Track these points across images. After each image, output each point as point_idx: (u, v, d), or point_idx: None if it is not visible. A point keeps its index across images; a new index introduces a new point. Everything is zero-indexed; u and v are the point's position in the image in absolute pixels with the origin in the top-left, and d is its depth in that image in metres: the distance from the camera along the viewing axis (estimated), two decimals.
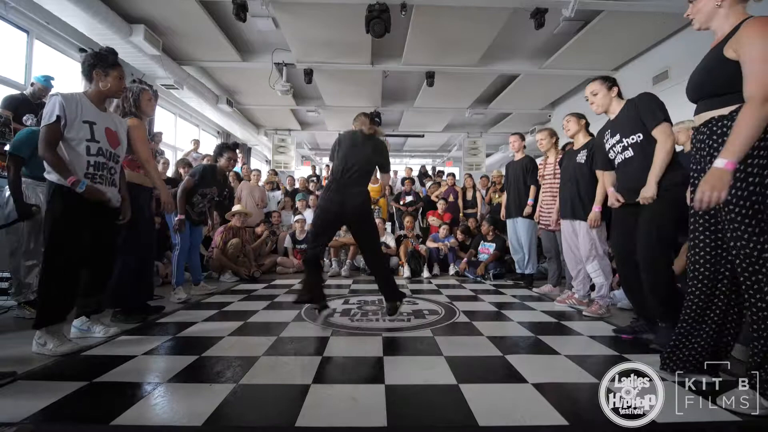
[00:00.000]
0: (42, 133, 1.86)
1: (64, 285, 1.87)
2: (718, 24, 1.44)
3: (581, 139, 2.93)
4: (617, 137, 2.16)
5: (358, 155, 2.44)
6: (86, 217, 1.94)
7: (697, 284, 1.51)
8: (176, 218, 3.07)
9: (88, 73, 2.02)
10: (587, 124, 2.97)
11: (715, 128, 1.40)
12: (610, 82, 2.26)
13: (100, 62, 2.01)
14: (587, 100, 2.34)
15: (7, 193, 2.57)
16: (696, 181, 1.50)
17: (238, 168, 6.83)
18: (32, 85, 3.37)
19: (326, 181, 2.91)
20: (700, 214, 1.50)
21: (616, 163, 2.21)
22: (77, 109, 1.91)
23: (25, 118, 3.09)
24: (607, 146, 2.24)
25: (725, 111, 1.38)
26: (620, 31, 4.76)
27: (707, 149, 1.42)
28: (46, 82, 3.35)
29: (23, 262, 2.59)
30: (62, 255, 1.85)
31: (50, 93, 3.23)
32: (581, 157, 2.84)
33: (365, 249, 2.58)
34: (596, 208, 2.71)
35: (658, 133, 1.98)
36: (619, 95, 2.26)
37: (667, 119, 1.99)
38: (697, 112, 1.50)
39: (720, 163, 1.28)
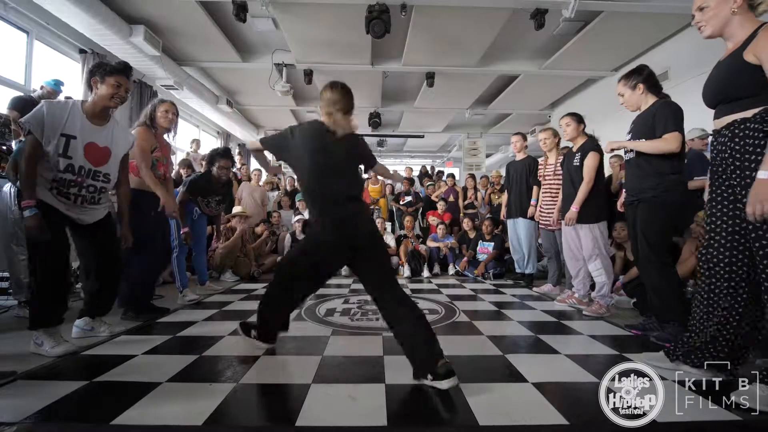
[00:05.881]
0: (26, 143, 1.77)
1: (50, 290, 1.83)
2: (732, 31, 1.41)
3: (578, 141, 2.94)
4: (629, 137, 2.18)
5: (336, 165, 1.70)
6: (59, 224, 1.86)
7: (713, 280, 1.50)
8: (182, 231, 3.04)
9: (87, 81, 1.96)
10: (584, 126, 2.97)
11: (737, 131, 1.38)
12: (634, 80, 2.14)
13: (99, 69, 1.93)
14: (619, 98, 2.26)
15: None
16: (714, 185, 1.50)
17: (236, 168, 6.82)
18: (41, 87, 3.38)
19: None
20: (718, 216, 1.48)
21: (625, 160, 2.24)
22: (60, 121, 1.80)
23: None
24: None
25: (748, 114, 1.36)
26: (620, 32, 4.76)
27: (729, 152, 1.41)
28: (56, 86, 3.36)
29: (19, 258, 2.51)
30: (41, 262, 1.80)
31: (58, 97, 3.25)
32: (577, 160, 2.86)
33: (382, 282, 1.77)
34: (574, 208, 2.75)
35: (664, 137, 2.01)
36: (653, 88, 2.14)
37: (679, 129, 1.99)
38: (716, 117, 1.49)
39: (763, 174, 1.26)
